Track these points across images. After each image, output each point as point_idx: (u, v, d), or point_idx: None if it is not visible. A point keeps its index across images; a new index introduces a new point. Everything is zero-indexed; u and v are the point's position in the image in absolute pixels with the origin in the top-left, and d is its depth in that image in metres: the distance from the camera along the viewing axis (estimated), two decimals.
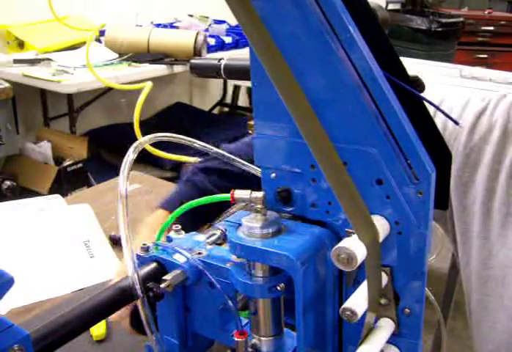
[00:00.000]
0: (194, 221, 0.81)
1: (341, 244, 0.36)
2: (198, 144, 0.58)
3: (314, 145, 0.32)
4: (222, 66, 0.55)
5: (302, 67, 0.39)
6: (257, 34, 0.29)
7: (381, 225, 0.40)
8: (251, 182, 0.59)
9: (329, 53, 0.37)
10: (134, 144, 0.50)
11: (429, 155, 0.39)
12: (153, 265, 0.49)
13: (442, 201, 0.42)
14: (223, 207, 0.82)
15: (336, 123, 0.40)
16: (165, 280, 0.46)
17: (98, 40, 2.77)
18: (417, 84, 0.42)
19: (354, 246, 0.36)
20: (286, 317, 0.48)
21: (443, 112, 0.47)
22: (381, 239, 0.38)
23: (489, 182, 0.79)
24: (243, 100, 4.19)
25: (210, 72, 0.56)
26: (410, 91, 0.40)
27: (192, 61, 0.57)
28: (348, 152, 0.40)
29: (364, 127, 0.39)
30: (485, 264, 0.81)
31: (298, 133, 0.32)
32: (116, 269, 0.72)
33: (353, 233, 0.40)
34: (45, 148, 2.55)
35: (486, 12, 5.28)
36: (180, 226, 0.54)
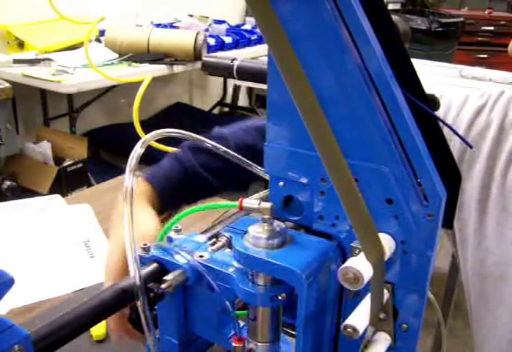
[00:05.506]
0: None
1: (348, 264, 0.36)
2: (207, 142, 0.58)
3: (327, 160, 0.32)
4: (235, 67, 0.55)
5: (318, 77, 0.38)
6: (280, 46, 0.28)
7: (388, 243, 0.40)
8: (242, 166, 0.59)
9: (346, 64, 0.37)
10: (142, 139, 0.50)
11: (439, 174, 0.39)
12: (154, 265, 0.49)
13: (448, 220, 0.41)
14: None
15: (350, 139, 0.39)
16: (165, 280, 0.46)
17: (98, 40, 2.77)
18: (432, 103, 0.42)
19: (361, 266, 0.35)
20: (285, 316, 0.48)
21: (457, 134, 0.48)
22: (386, 258, 0.38)
23: (485, 178, 0.80)
24: (243, 100, 4.19)
25: (222, 71, 0.56)
26: (424, 108, 0.40)
27: (204, 59, 0.57)
28: (361, 169, 0.40)
29: (378, 144, 0.38)
30: (483, 261, 0.81)
31: (311, 145, 0.31)
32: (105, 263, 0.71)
33: (358, 248, 0.41)
34: (45, 148, 2.55)
35: (486, 12, 5.28)
36: (180, 227, 0.54)
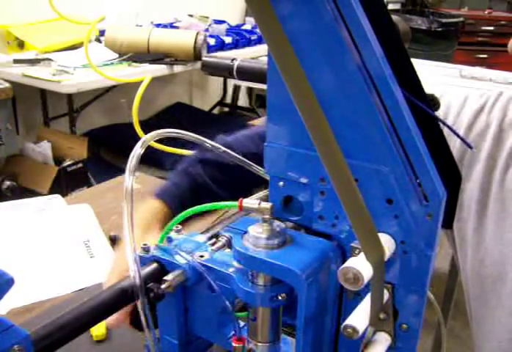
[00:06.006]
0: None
1: (348, 264, 0.36)
2: (207, 142, 0.58)
3: (327, 160, 0.32)
4: (235, 66, 0.55)
5: (318, 77, 0.39)
6: (280, 46, 0.28)
7: (388, 243, 0.40)
8: (248, 176, 0.59)
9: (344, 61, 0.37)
10: (142, 139, 0.50)
11: (439, 175, 0.39)
12: (154, 265, 0.49)
13: (447, 220, 0.41)
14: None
15: (350, 139, 0.39)
16: (165, 280, 0.46)
17: (98, 40, 2.77)
18: (432, 103, 0.42)
19: (361, 266, 0.35)
20: (285, 317, 0.48)
21: (457, 134, 0.48)
22: (386, 258, 0.38)
23: (485, 178, 0.80)
24: (243, 100, 4.19)
25: (222, 71, 0.56)
26: (424, 109, 0.40)
27: (204, 58, 0.57)
28: (361, 169, 0.40)
29: (378, 144, 0.38)
30: (481, 261, 0.81)
31: (311, 145, 0.31)
32: (110, 267, 0.72)
33: (358, 248, 0.41)
34: (45, 148, 2.55)
35: (486, 12, 5.28)
36: (180, 227, 0.54)
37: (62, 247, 1.12)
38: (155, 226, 0.76)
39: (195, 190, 0.82)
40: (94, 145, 2.86)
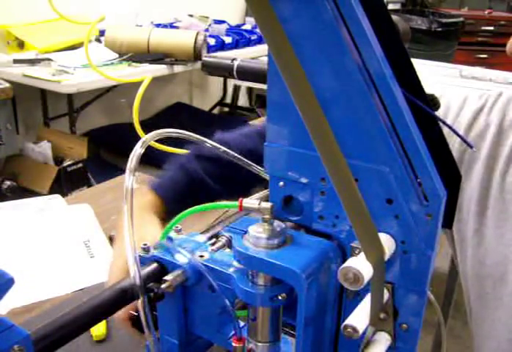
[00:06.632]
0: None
1: (348, 264, 0.36)
2: (207, 142, 0.58)
3: (327, 160, 0.32)
4: (235, 67, 0.55)
5: (318, 77, 0.38)
6: (280, 46, 0.28)
7: (388, 243, 0.40)
8: (244, 171, 0.59)
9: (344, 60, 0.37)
10: (142, 139, 0.50)
11: (439, 175, 0.39)
12: (154, 265, 0.49)
13: (447, 220, 0.41)
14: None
15: (350, 139, 0.39)
16: (166, 280, 0.46)
17: (98, 40, 2.77)
18: (432, 103, 0.42)
19: (361, 266, 0.35)
20: (285, 317, 0.48)
21: (458, 134, 0.48)
22: (386, 257, 0.38)
23: (484, 179, 0.80)
24: (243, 100, 4.19)
25: (222, 71, 0.56)
26: (424, 108, 0.40)
27: (204, 58, 0.57)
28: (361, 169, 0.40)
29: (378, 144, 0.38)
30: (481, 262, 0.81)
31: (311, 145, 0.31)
32: (108, 267, 0.72)
33: (358, 248, 0.41)
34: (45, 148, 2.55)
35: (486, 12, 5.28)
36: (180, 227, 0.54)
37: (62, 247, 1.12)
38: (148, 213, 0.76)
39: (189, 183, 0.83)
40: (94, 145, 2.86)
